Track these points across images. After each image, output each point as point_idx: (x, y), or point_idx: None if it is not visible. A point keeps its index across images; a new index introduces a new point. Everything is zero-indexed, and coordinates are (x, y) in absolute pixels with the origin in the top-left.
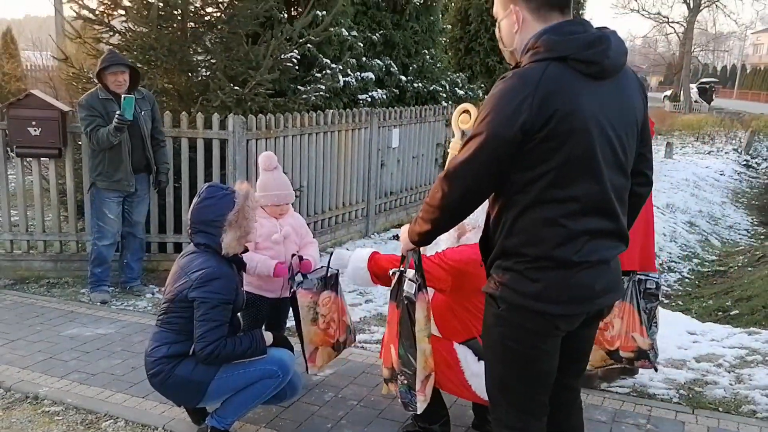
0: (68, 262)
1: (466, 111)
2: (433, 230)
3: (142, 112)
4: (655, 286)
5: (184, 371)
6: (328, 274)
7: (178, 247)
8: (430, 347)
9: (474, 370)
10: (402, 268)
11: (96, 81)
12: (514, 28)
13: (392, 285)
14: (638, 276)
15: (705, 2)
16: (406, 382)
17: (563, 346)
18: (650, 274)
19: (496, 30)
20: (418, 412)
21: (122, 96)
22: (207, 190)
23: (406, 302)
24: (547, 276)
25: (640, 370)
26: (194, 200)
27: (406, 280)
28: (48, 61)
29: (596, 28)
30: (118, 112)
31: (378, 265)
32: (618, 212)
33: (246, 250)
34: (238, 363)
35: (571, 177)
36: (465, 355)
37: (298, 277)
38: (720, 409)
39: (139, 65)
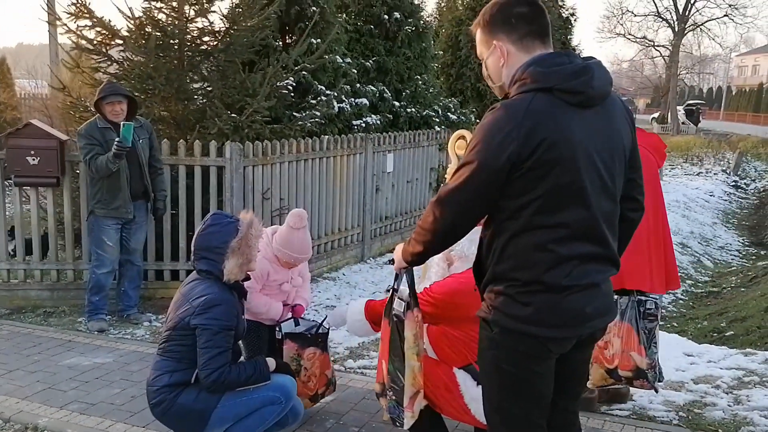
0: (65, 291)
1: (462, 137)
2: (424, 252)
3: (140, 140)
4: (654, 307)
5: (186, 400)
6: (319, 331)
7: (175, 275)
8: (420, 365)
9: (473, 394)
10: (395, 286)
11: (94, 110)
12: (500, 62)
13: (386, 303)
14: (638, 297)
15: (689, 26)
16: (394, 397)
17: (558, 368)
18: (650, 295)
19: (483, 69)
20: (405, 428)
21: (121, 123)
22: (212, 218)
23: (395, 320)
24: (537, 299)
25: (639, 392)
26: (199, 227)
27: (396, 299)
28: (42, 90)
29: (582, 58)
30: (117, 139)
31: (374, 311)
32: (607, 237)
33: (248, 278)
34: (241, 390)
35: (559, 203)
36: (464, 380)
37: (287, 325)
38: (720, 430)
39: (136, 94)
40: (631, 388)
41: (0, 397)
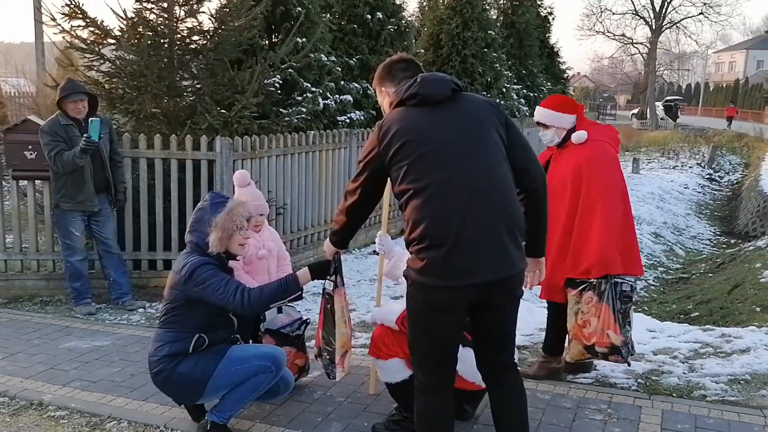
0: (60, 281)
1: None
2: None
3: (102, 136)
4: (629, 289)
5: (185, 368)
6: (297, 333)
7: (167, 264)
8: (348, 330)
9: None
10: (331, 273)
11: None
12: (389, 103)
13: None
14: (615, 279)
15: (666, 24)
16: (328, 357)
17: (475, 321)
18: (626, 278)
19: (383, 111)
20: (337, 379)
21: (89, 120)
22: (209, 195)
23: (327, 296)
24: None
25: (602, 362)
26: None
27: (327, 280)
28: (27, 88)
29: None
30: (85, 135)
31: None
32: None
33: (231, 257)
34: (235, 359)
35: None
36: None
37: (270, 320)
38: (674, 394)
39: (128, 91)
40: (594, 360)
41: (4, 377)
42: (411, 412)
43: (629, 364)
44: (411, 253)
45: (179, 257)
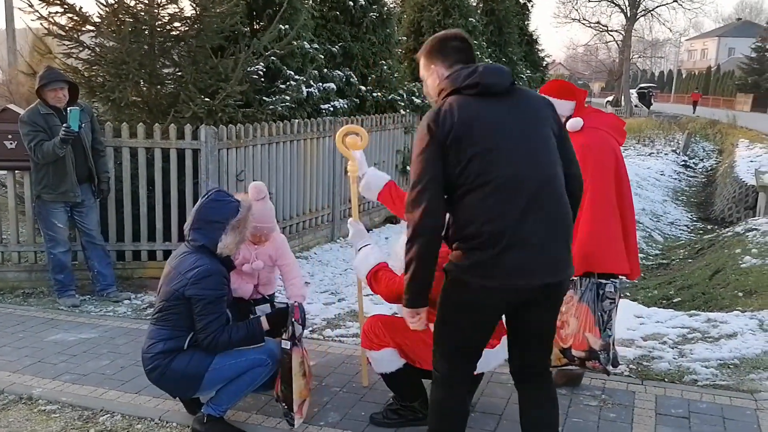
0: (43, 272)
1: (354, 133)
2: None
3: (83, 125)
4: (613, 290)
5: (179, 365)
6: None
7: (152, 255)
8: (304, 382)
9: None
10: (286, 336)
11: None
12: (437, 83)
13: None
14: (598, 279)
15: (641, 11)
16: (286, 407)
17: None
18: (610, 278)
19: (424, 89)
20: (296, 426)
21: (68, 109)
22: (216, 193)
23: (285, 355)
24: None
25: None
26: (200, 200)
27: (283, 341)
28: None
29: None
30: (65, 124)
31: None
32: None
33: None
34: (231, 354)
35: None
36: None
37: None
38: (665, 379)
39: (110, 79)
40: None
41: None
42: (408, 401)
43: (608, 374)
44: (457, 249)
45: (183, 257)
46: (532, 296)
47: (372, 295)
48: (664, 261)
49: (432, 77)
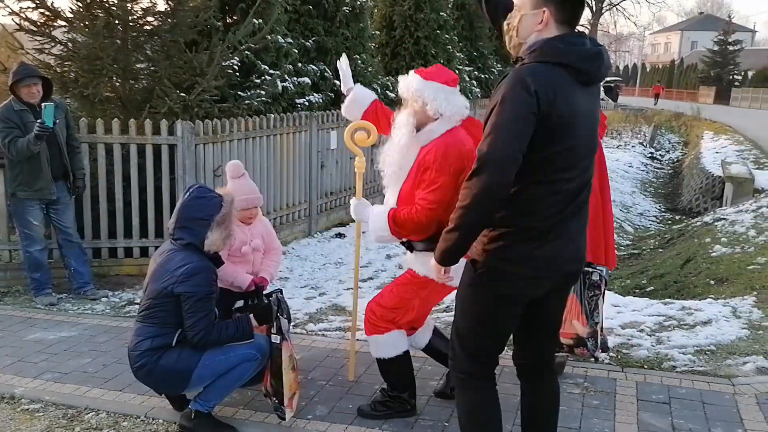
0: (18, 271)
1: (362, 129)
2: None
3: (57, 121)
4: (599, 278)
5: (168, 361)
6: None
7: (128, 252)
8: (294, 374)
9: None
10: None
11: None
12: (537, 27)
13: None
14: (584, 268)
15: (606, 5)
16: (277, 401)
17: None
18: (596, 267)
19: (512, 19)
20: (286, 420)
21: (42, 105)
22: (198, 190)
23: (275, 350)
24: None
25: None
26: (182, 198)
27: (273, 335)
28: None
29: (592, 42)
30: (39, 120)
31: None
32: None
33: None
34: (219, 350)
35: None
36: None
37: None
38: (645, 366)
39: (83, 74)
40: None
41: None
42: (400, 391)
43: (597, 360)
44: (496, 237)
45: (169, 255)
46: (558, 285)
47: (360, 289)
48: (636, 251)
49: (535, 19)
